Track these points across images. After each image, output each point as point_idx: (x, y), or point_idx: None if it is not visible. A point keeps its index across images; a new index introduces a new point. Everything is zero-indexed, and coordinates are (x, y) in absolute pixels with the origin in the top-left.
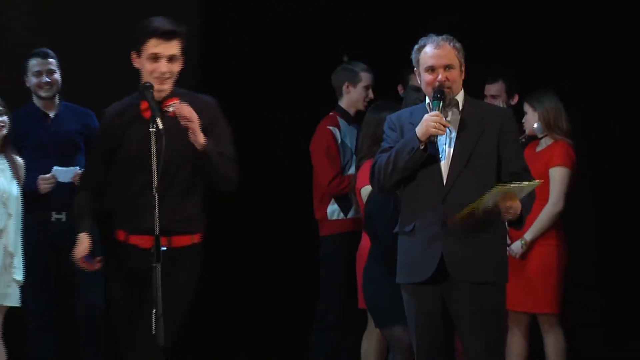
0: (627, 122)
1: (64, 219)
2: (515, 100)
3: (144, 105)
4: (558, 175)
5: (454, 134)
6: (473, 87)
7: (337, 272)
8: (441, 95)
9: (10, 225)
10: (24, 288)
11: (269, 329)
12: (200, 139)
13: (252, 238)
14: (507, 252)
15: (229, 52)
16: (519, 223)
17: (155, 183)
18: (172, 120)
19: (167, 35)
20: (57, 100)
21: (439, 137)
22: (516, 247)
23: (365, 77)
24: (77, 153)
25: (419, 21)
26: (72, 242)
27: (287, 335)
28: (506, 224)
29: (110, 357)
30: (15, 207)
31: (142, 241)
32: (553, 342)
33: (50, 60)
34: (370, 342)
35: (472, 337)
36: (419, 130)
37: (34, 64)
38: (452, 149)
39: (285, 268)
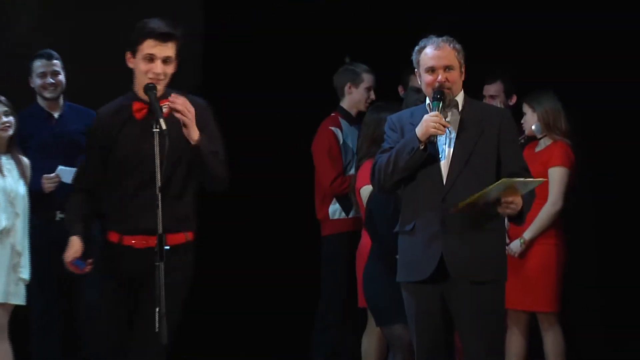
0: (625, 123)
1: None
2: (513, 100)
3: (136, 105)
4: (557, 175)
5: (453, 134)
6: (472, 88)
7: (338, 272)
8: (441, 95)
9: (17, 225)
10: (28, 287)
11: (270, 328)
12: (194, 133)
13: (254, 237)
14: (506, 251)
15: (231, 53)
16: (520, 219)
17: (158, 183)
18: (166, 121)
19: (163, 37)
20: (61, 100)
21: (438, 137)
22: (515, 246)
23: (367, 78)
24: (81, 153)
25: (419, 22)
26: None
27: (288, 334)
28: (506, 219)
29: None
30: (23, 206)
31: (136, 241)
32: (552, 341)
33: (55, 61)
34: (370, 340)
35: (471, 336)
36: (419, 130)
37: (38, 65)
38: (452, 149)
39: (286, 267)
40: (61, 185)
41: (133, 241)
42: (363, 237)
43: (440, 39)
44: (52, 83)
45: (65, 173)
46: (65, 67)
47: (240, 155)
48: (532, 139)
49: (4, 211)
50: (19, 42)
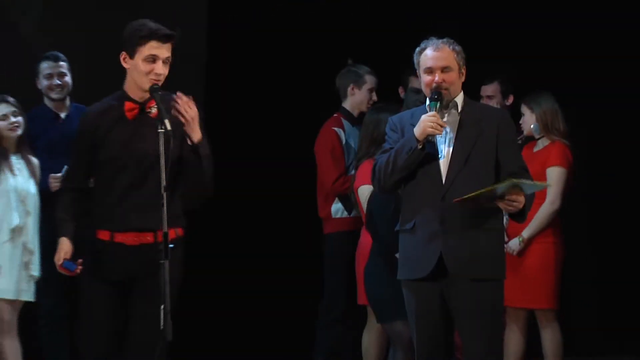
0: (621, 123)
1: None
2: (510, 101)
3: (128, 105)
4: (555, 175)
5: (453, 135)
6: (469, 88)
7: (340, 269)
8: (438, 96)
9: (29, 223)
10: (36, 283)
11: (273, 325)
12: (196, 133)
13: (257, 236)
14: (505, 249)
15: (234, 54)
16: (521, 216)
17: (163, 182)
18: (155, 121)
19: (165, 38)
20: (67, 101)
21: (437, 137)
22: (514, 244)
23: (369, 80)
24: None
25: (419, 24)
26: (79, 239)
27: (291, 330)
28: (505, 218)
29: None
30: (33, 205)
31: (128, 239)
32: (550, 337)
33: (61, 63)
34: (371, 337)
35: (471, 335)
36: (417, 130)
37: (45, 67)
38: (451, 149)
39: (289, 265)
40: None
41: (125, 238)
42: (362, 235)
43: (440, 40)
44: (59, 84)
45: None
46: (72, 68)
47: (243, 155)
48: (530, 139)
49: (15, 210)
50: (25, 42)
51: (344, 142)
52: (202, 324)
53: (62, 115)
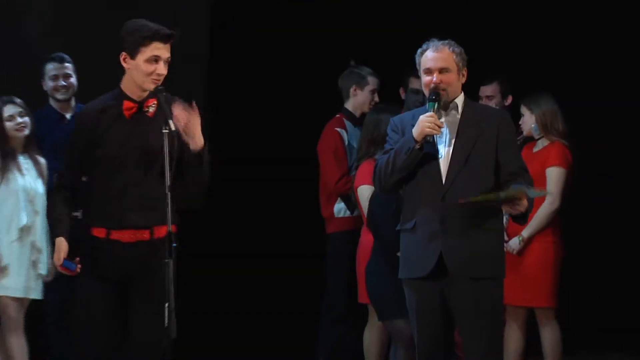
0: (620, 123)
1: (80, 216)
2: (509, 101)
3: (127, 105)
4: (554, 175)
5: (453, 135)
6: (469, 88)
7: (342, 268)
8: (436, 97)
9: (37, 222)
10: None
11: (277, 323)
12: (197, 140)
13: (260, 235)
14: (505, 248)
15: (236, 54)
16: (523, 218)
17: (168, 182)
18: (153, 120)
19: (167, 39)
20: (72, 102)
21: (437, 138)
22: (514, 243)
23: (372, 81)
24: None
25: (420, 25)
26: (82, 238)
27: (294, 328)
28: (504, 218)
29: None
30: (42, 204)
31: (124, 236)
32: (549, 336)
33: (67, 64)
34: (372, 335)
35: (471, 331)
36: (415, 130)
37: (50, 68)
38: (451, 149)
39: (292, 265)
40: None
41: (121, 236)
42: (363, 234)
43: (440, 42)
44: (64, 85)
45: None
46: (77, 69)
47: (245, 155)
48: (529, 140)
49: (24, 209)
50: (31, 44)
51: (346, 142)
52: (205, 323)
53: (68, 116)
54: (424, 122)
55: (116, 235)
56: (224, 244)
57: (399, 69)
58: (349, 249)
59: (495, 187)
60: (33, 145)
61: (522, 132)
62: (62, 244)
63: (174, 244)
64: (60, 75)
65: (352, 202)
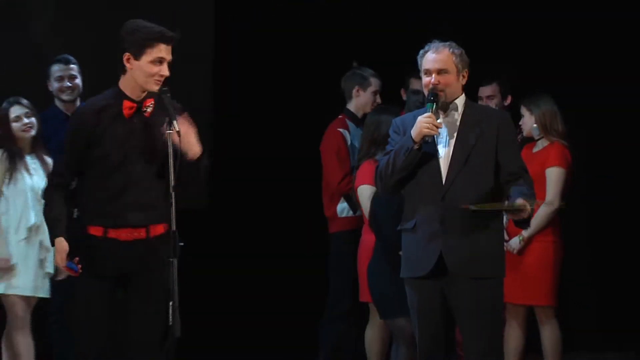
0: (621, 124)
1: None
2: (508, 101)
3: (127, 104)
4: (554, 175)
5: (453, 135)
6: (468, 89)
7: (345, 267)
8: (434, 97)
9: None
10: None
11: (279, 322)
12: (194, 147)
13: (262, 235)
14: (505, 248)
15: (241, 55)
16: (526, 223)
17: (172, 182)
18: (151, 120)
19: (170, 40)
20: (78, 103)
21: (437, 138)
22: (514, 243)
23: (374, 83)
24: None
25: (422, 26)
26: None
27: (297, 326)
28: (505, 217)
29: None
30: None
31: (122, 234)
32: (549, 334)
33: (72, 66)
34: (373, 333)
35: (471, 331)
36: (413, 131)
37: (56, 69)
38: (451, 149)
39: (294, 264)
40: None
41: (118, 234)
42: (364, 233)
43: (441, 43)
44: (69, 86)
45: None
46: (82, 70)
47: (249, 154)
48: (529, 140)
49: (32, 209)
50: (37, 45)
51: (349, 143)
52: (207, 322)
53: None
54: (422, 122)
55: (113, 233)
56: (227, 243)
57: (400, 70)
58: (352, 248)
59: (496, 190)
60: (40, 145)
61: (522, 133)
62: (63, 244)
63: (181, 243)
64: (66, 76)
65: (354, 201)
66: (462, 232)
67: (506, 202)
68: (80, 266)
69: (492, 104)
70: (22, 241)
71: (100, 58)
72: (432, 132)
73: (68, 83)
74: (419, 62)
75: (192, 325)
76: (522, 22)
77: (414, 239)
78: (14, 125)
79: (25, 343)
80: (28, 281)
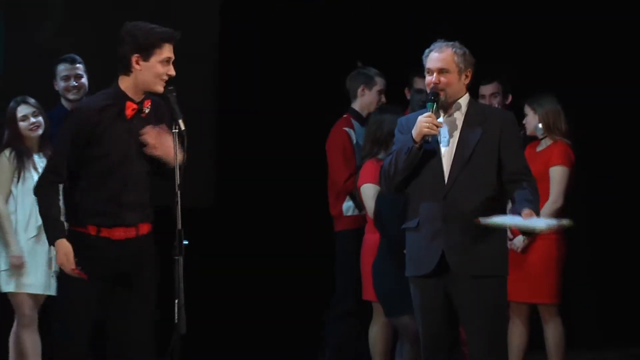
0: (623, 123)
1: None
2: (509, 100)
3: (129, 105)
4: (557, 174)
5: (456, 135)
6: (469, 88)
7: (350, 265)
8: (435, 97)
9: None
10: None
11: (285, 318)
12: (172, 158)
13: (267, 234)
14: (509, 246)
15: (245, 55)
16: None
17: (178, 181)
18: (148, 121)
19: (175, 41)
20: None
21: (440, 137)
22: (518, 241)
23: (379, 82)
24: None
25: (424, 26)
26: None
27: (302, 323)
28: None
29: None
30: None
31: (116, 233)
32: (553, 331)
33: (78, 65)
34: (377, 331)
35: (474, 329)
36: (414, 131)
37: (62, 69)
38: (454, 148)
39: (299, 263)
40: None
41: (112, 233)
42: (367, 232)
43: (444, 43)
44: (75, 86)
45: None
46: (88, 69)
47: (254, 154)
48: (532, 139)
49: None
50: (43, 45)
51: (354, 141)
52: (212, 321)
53: None
54: (422, 122)
55: (107, 232)
56: (232, 242)
57: (404, 69)
58: (357, 246)
59: (498, 189)
60: (47, 144)
61: (525, 132)
62: (67, 245)
63: (186, 242)
64: (72, 75)
65: (359, 200)
66: (464, 230)
67: (522, 220)
68: (80, 267)
69: (495, 102)
70: (32, 239)
71: (106, 58)
72: (432, 132)
73: (74, 82)
74: (424, 62)
75: (197, 323)
76: (522, 22)
77: (417, 237)
78: (22, 124)
79: (32, 341)
80: (38, 279)
